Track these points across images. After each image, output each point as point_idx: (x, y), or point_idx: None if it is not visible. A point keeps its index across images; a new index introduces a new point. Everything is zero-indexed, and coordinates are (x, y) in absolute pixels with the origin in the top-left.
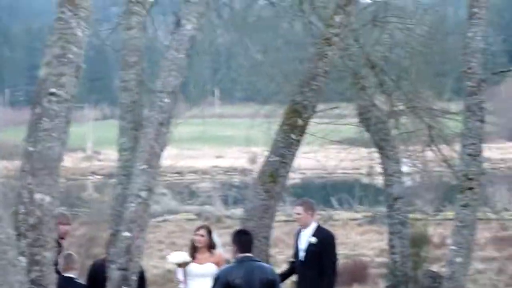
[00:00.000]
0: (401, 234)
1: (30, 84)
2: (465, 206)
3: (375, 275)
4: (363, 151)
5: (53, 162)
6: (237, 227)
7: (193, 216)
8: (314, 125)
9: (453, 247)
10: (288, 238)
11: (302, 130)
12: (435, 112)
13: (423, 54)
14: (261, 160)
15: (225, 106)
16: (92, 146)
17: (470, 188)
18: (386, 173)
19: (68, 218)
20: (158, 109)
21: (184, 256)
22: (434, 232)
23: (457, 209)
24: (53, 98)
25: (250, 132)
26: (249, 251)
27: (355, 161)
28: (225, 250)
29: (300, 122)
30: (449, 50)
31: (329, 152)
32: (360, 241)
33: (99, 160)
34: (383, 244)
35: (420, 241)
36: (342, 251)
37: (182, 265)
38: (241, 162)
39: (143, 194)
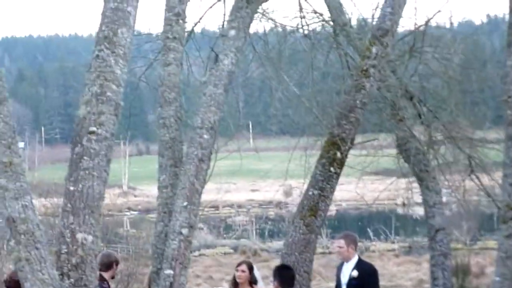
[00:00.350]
0: (443, 265)
1: (65, 122)
2: (508, 236)
3: None
4: (399, 181)
5: (95, 201)
6: (277, 262)
7: (229, 250)
8: (353, 158)
9: (497, 278)
10: (325, 271)
11: (341, 163)
12: (474, 142)
13: (461, 83)
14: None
15: (259, 140)
16: (127, 182)
17: None
18: (427, 204)
19: (117, 257)
20: (198, 145)
21: None
22: (473, 261)
23: (500, 240)
24: (93, 137)
25: (285, 165)
26: (291, 286)
27: (391, 191)
28: (264, 284)
29: (339, 155)
30: (487, 79)
31: (364, 183)
32: (397, 272)
33: (135, 196)
34: (421, 274)
35: (462, 272)
36: (380, 282)
37: None
38: (276, 195)
39: (185, 231)
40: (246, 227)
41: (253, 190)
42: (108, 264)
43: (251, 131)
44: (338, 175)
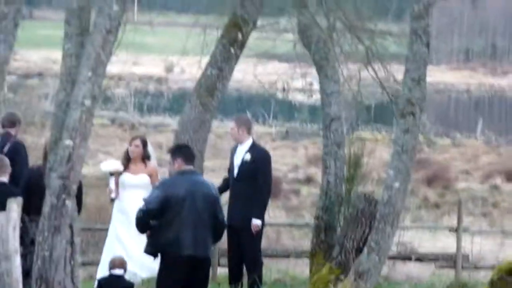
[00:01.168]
0: (336, 155)
1: None
2: (405, 131)
3: (288, 190)
4: (283, 66)
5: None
6: (154, 137)
7: (107, 122)
8: (252, 40)
9: (391, 172)
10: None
11: (241, 44)
12: (375, 33)
13: None
14: (177, 70)
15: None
16: None
17: (412, 114)
18: (324, 93)
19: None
20: (106, 15)
21: (116, 164)
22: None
23: (397, 134)
24: None
25: (168, 40)
26: (191, 165)
27: (271, 75)
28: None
29: (240, 36)
30: None
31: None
32: (273, 156)
33: (15, 60)
34: (296, 160)
35: (354, 163)
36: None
37: (115, 173)
38: (157, 70)
39: (87, 102)
40: (125, 100)
41: (134, 63)
42: (13, 121)
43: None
44: (238, 56)
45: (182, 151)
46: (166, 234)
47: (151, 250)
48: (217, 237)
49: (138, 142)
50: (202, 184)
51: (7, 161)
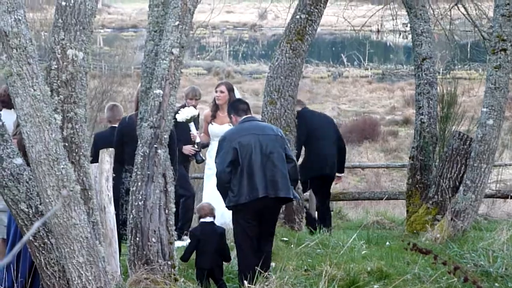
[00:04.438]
0: (429, 94)
1: None
2: (498, 67)
3: (386, 132)
4: (375, 8)
5: (86, 17)
6: (250, 84)
7: (203, 71)
8: None
9: (484, 109)
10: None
11: None
12: None
13: None
14: (271, 16)
15: None
16: None
17: (504, 50)
18: (414, 33)
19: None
20: None
21: (191, 111)
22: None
23: (489, 71)
24: None
25: None
26: (248, 114)
27: (365, 18)
28: None
29: None
30: None
31: (339, 9)
32: (370, 98)
33: (109, 14)
34: (393, 102)
35: (448, 102)
36: (352, 108)
37: (191, 119)
38: (251, 17)
39: (175, 51)
40: (220, 48)
41: (227, 12)
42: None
43: None
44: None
45: (232, 107)
46: (242, 183)
47: (231, 204)
48: (292, 176)
49: (223, 87)
50: (264, 128)
51: (121, 108)
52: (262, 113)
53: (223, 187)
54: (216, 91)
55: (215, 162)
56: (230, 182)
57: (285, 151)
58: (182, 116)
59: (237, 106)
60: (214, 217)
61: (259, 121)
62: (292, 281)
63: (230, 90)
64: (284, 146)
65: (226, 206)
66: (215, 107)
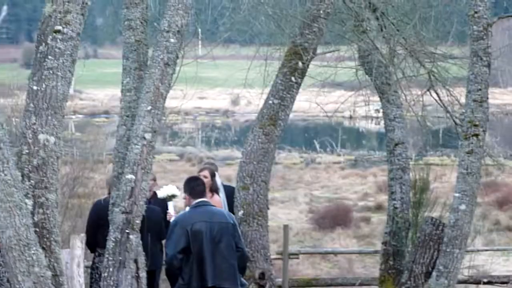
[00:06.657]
0: (401, 180)
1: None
2: (470, 152)
3: (358, 218)
4: (348, 94)
5: (58, 101)
6: (224, 169)
7: (175, 157)
8: (313, 68)
9: (457, 194)
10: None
11: (302, 73)
12: (436, 57)
13: None
14: (243, 102)
15: (217, 47)
16: (73, 85)
17: (476, 135)
18: (387, 118)
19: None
20: (164, 49)
21: (172, 189)
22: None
23: (461, 156)
24: (59, 36)
25: (242, 74)
26: (202, 197)
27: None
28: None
29: (300, 64)
30: None
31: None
32: (343, 184)
33: (81, 99)
34: (366, 188)
35: (420, 187)
36: (324, 194)
37: (171, 198)
38: (223, 103)
39: (148, 136)
40: (192, 134)
41: (200, 98)
42: None
43: (200, 38)
44: (299, 85)
45: (188, 187)
46: (192, 270)
47: None
48: (240, 265)
49: (206, 172)
50: (216, 215)
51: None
52: (235, 198)
53: (172, 272)
54: (199, 176)
55: (165, 247)
56: (181, 268)
57: (235, 239)
58: (163, 193)
59: (193, 188)
60: None
61: (213, 206)
62: None
63: (213, 175)
64: (234, 234)
65: None
66: None
